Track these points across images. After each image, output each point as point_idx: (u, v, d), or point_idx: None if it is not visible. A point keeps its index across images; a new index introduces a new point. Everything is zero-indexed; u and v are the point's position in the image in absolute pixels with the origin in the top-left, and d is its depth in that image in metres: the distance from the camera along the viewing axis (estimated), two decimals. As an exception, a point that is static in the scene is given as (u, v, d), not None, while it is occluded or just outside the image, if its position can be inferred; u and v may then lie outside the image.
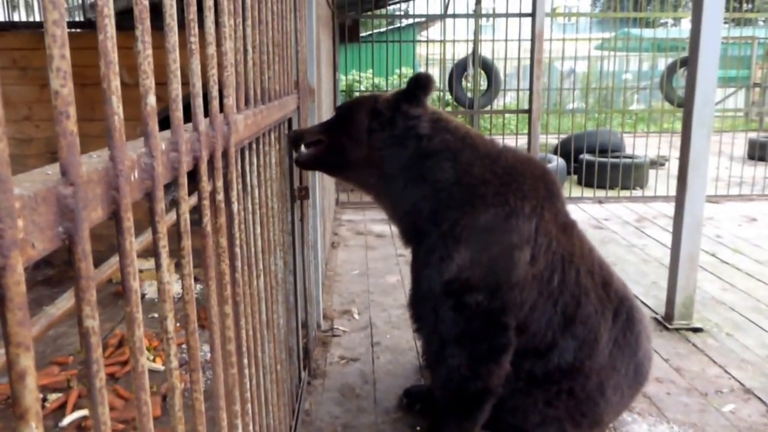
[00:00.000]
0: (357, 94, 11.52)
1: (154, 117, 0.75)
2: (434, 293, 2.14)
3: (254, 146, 1.54)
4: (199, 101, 0.97)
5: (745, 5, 10.44)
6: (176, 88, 0.84)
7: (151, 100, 0.74)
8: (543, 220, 2.15)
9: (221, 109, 1.13)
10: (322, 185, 3.73)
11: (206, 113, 1.04)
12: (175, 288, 3.36)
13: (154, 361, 2.86)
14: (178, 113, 0.86)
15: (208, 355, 2.55)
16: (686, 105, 3.36)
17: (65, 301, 0.63)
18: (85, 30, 4.34)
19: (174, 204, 0.89)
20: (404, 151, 2.19)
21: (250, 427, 1.36)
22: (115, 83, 0.62)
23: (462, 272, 2.10)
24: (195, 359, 0.93)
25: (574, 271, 2.21)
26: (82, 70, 2.76)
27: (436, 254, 2.13)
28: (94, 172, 0.59)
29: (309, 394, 2.73)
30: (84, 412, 2.48)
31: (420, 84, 2.19)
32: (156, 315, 3.39)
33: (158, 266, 0.80)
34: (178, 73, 0.85)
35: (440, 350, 2.18)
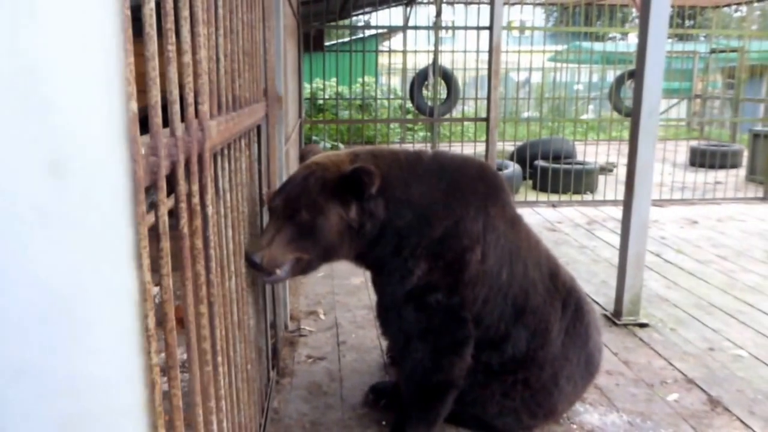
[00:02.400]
0: (321, 102, 11.56)
1: (136, 123, 0.77)
2: (397, 301, 2.25)
3: (226, 152, 1.57)
4: (176, 108, 1.00)
5: (687, 22, 10.96)
6: (155, 95, 0.87)
7: (133, 106, 0.76)
8: (489, 217, 2.26)
9: (196, 116, 1.16)
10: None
11: (181, 119, 1.05)
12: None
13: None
14: (157, 119, 0.88)
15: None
16: (633, 115, 3.53)
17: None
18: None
19: (152, 207, 0.91)
20: (374, 230, 2.20)
21: (224, 424, 1.39)
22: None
23: (421, 279, 2.20)
24: (173, 357, 0.96)
25: (522, 265, 2.33)
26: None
27: (396, 275, 2.23)
28: None
29: (277, 393, 2.78)
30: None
31: (362, 180, 2.08)
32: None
33: (139, 266, 0.80)
34: (158, 80, 0.87)
35: (405, 346, 2.28)
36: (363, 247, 2.22)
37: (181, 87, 1.08)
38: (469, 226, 2.21)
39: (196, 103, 1.17)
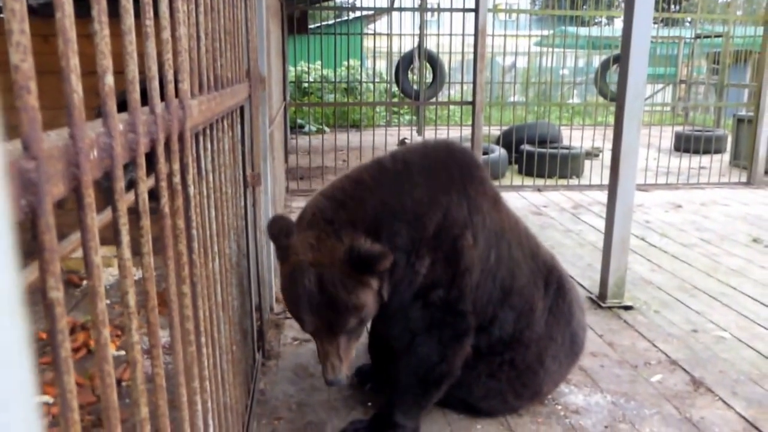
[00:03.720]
0: (306, 85, 11.48)
1: (113, 97, 0.76)
2: (404, 304, 2.22)
3: (208, 132, 1.55)
4: (155, 84, 0.97)
5: (672, 6, 10.99)
6: (133, 70, 0.85)
7: (109, 80, 0.74)
8: (471, 199, 2.24)
9: (176, 94, 1.14)
10: (274, 173, 3.77)
11: (162, 98, 1.04)
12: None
13: (106, 347, 2.84)
14: (135, 95, 0.86)
15: (162, 339, 2.55)
16: (618, 99, 3.54)
17: (26, 275, 0.62)
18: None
19: (132, 184, 0.89)
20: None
21: (209, 404, 1.39)
22: (74, 61, 0.63)
23: (426, 277, 2.19)
24: (155, 335, 0.95)
25: (506, 245, 2.32)
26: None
27: (405, 281, 2.18)
28: (55, 149, 0.59)
29: (264, 375, 2.78)
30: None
31: (364, 262, 2.03)
32: (109, 301, 3.35)
33: (118, 243, 0.80)
34: (135, 54, 0.85)
35: (411, 341, 2.26)
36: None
37: (161, 65, 1.06)
38: (455, 214, 2.19)
39: (176, 81, 1.15)
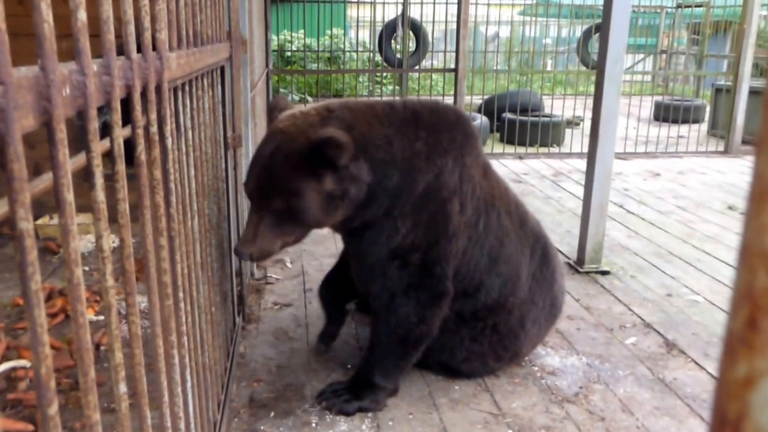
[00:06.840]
0: (288, 54, 11.30)
1: (86, 33, 0.73)
2: (381, 260, 2.22)
3: (187, 88, 1.53)
4: (131, 29, 0.95)
5: (656, -25, 10.94)
6: (107, 10, 0.82)
7: (82, 15, 0.72)
8: (465, 167, 2.24)
9: (154, 45, 1.12)
10: (255, 139, 3.72)
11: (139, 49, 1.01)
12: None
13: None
14: (109, 36, 0.83)
15: (142, 305, 2.54)
16: (599, 63, 3.53)
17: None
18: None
19: (106, 127, 0.88)
20: (361, 194, 2.10)
21: (186, 361, 1.38)
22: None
23: (406, 238, 2.19)
24: (131, 283, 0.94)
25: (496, 214, 2.33)
26: None
27: (384, 234, 2.18)
28: (24, 79, 0.58)
29: (243, 338, 2.78)
30: (13, 363, 2.44)
31: (330, 149, 1.94)
32: (87, 268, 3.32)
33: (92, 186, 0.80)
34: None
35: (390, 301, 2.27)
36: (350, 212, 2.13)
37: (137, 11, 1.03)
38: (447, 178, 2.19)
39: (153, 30, 1.13)
